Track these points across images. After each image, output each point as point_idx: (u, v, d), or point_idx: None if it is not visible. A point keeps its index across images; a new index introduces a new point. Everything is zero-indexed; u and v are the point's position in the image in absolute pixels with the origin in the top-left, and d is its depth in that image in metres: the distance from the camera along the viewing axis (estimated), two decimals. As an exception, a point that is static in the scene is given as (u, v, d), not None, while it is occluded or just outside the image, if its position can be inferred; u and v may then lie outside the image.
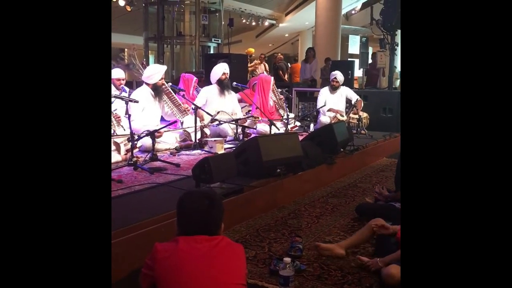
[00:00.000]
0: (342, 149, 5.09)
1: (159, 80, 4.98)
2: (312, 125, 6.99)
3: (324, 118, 6.76)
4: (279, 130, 5.70)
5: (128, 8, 12.26)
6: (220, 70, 5.93)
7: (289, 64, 13.47)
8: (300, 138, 4.62)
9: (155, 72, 5.02)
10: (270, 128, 5.52)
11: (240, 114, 6.13)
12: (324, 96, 6.95)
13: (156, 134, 4.63)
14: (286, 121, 6.17)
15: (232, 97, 6.08)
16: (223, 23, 12.62)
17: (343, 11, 14.78)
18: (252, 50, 13.06)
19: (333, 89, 6.96)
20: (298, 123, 7.14)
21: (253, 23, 17.56)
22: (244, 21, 17.00)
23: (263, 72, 10.95)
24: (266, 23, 18.58)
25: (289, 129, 6.20)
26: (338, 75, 6.94)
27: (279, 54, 13.48)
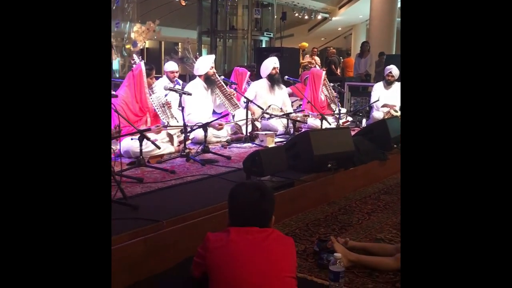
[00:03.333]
0: (395, 145, 4.96)
1: (209, 69, 5.04)
2: (364, 120, 6.85)
3: (377, 113, 6.62)
4: (330, 125, 5.63)
5: (183, 3, 12.49)
6: (271, 64, 5.92)
7: (341, 58, 13.27)
8: (352, 133, 4.55)
9: (202, 63, 5.10)
10: (321, 123, 5.46)
11: (290, 109, 6.11)
12: (378, 91, 6.80)
13: (218, 126, 4.71)
14: (337, 116, 6.09)
15: (282, 92, 6.06)
16: (275, 17, 12.61)
17: (399, 4, 14.36)
18: (305, 44, 12.96)
19: (388, 84, 6.79)
20: (350, 118, 7.02)
21: (306, 17, 17.41)
22: (296, 14, 16.88)
23: (315, 66, 10.85)
24: (319, 17, 18.37)
25: (341, 124, 6.12)
26: (393, 70, 6.76)
27: (332, 48, 13.31)
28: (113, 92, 4.25)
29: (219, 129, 4.91)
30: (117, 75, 8.65)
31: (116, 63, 9.33)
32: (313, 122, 5.77)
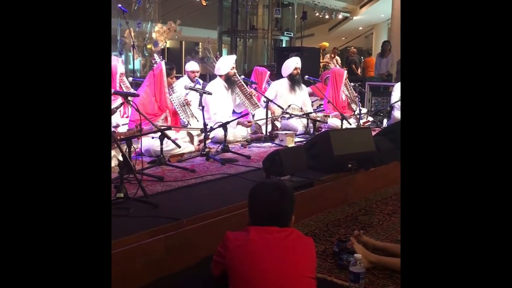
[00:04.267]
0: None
1: (230, 70, 5.06)
2: (385, 121, 6.79)
3: (398, 114, 6.54)
4: (350, 125, 5.59)
5: (204, 3, 12.55)
6: (292, 64, 5.90)
7: (362, 58, 13.16)
8: (373, 133, 4.50)
9: (224, 63, 5.13)
10: (342, 123, 5.43)
11: (310, 109, 6.08)
12: (399, 91, 6.72)
13: (247, 123, 4.74)
14: (358, 116, 6.04)
15: (302, 92, 6.04)
16: (296, 16, 12.58)
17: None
18: (326, 44, 12.90)
19: (409, 83, 6.70)
20: (371, 118, 6.96)
21: (327, 16, 17.31)
22: (317, 14, 16.80)
23: (335, 66, 10.79)
24: (340, 16, 18.24)
25: (362, 124, 6.07)
26: (415, 69, 6.67)
27: (353, 47, 13.21)
28: (134, 92, 4.31)
29: (248, 126, 4.93)
30: (138, 75, 8.74)
31: (137, 63, 9.43)
32: (334, 122, 5.73)
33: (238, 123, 4.97)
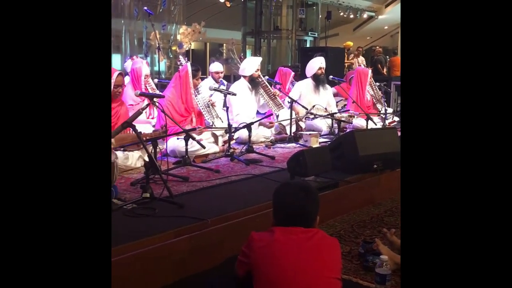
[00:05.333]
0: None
1: (254, 71, 5.07)
2: (411, 121, 6.67)
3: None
4: (376, 125, 5.53)
5: (228, 4, 12.62)
6: (317, 64, 5.87)
7: (388, 57, 13.00)
8: (399, 133, 4.44)
9: (249, 64, 5.14)
10: (367, 123, 5.36)
11: (335, 109, 6.04)
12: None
13: (268, 124, 4.74)
14: (383, 116, 5.97)
15: (327, 92, 6.00)
16: (320, 16, 12.51)
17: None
18: (350, 43, 12.80)
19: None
20: (396, 118, 6.86)
21: (351, 16, 17.16)
22: (341, 14, 16.66)
23: (360, 66, 10.68)
24: (365, 16, 18.05)
25: (387, 124, 5.99)
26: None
27: (378, 47, 13.06)
28: (160, 93, 4.36)
29: (270, 127, 4.93)
30: (164, 76, 8.83)
31: (162, 65, 9.54)
32: (359, 122, 5.68)
33: (260, 124, 4.97)
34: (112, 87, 3.59)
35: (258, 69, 5.13)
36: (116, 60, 9.84)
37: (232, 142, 4.29)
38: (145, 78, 4.78)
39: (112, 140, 3.18)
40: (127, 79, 4.72)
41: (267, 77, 5.70)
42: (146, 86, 4.79)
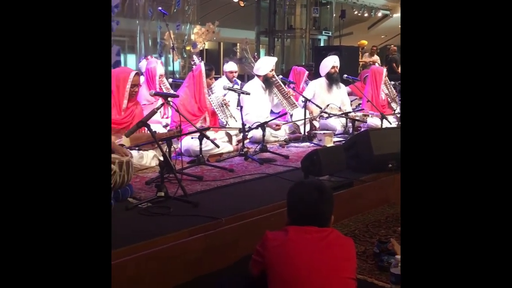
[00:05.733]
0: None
1: (269, 71, 5.07)
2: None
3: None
4: (391, 124, 5.48)
5: (242, 4, 12.62)
6: (330, 63, 5.84)
7: (403, 56, 12.87)
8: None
9: (264, 63, 5.14)
10: (382, 122, 5.33)
11: (349, 108, 6.01)
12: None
13: (275, 127, 4.72)
14: (398, 115, 5.92)
15: (341, 91, 5.97)
16: (334, 15, 12.46)
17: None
18: (364, 42, 12.71)
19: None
20: (411, 117, 6.79)
21: (366, 14, 17.04)
22: (356, 12, 16.55)
23: (374, 64, 10.61)
24: (379, 14, 17.92)
25: (402, 123, 5.93)
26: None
27: (393, 45, 12.95)
28: (174, 93, 4.38)
29: (276, 129, 4.92)
30: (178, 76, 8.88)
31: (176, 64, 9.58)
32: (373, 121, 5.64)
33: (266, 126, 4.94)
34: (129, 87, 3.63)
35: (272, 69, 5.13)
36: (131, 60, 9.93)
37: (246, 141, 4.29)
38: (159, 78, 4.81)
39: (127, 139, 3.20)
40: (141, 79, 4.76)
41: (281, 76, 5.69)
42: (160, 86, 4.83)
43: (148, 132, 2.95)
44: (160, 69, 4.85)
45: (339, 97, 5.91)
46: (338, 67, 5.89)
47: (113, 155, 2.59)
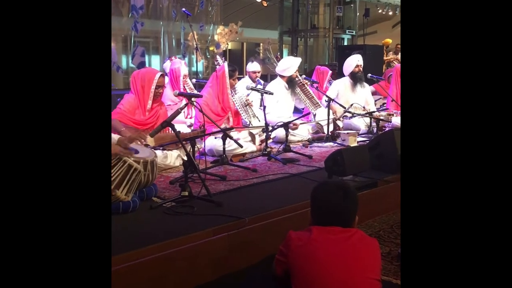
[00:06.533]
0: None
1: (293, 73, 5.07)
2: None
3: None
4: (416, 123, 5.40)
5: (265, 3, 12.61)
6: (354, 62, 5.79)
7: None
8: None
9: (290, 65, 5.14)
10: (407, 122, 5.25)
11: (373, 107, 5.94)
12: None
13: (292, 126, 4.71)
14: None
15: (365, 90, 5.91)
16: (358, 14, 12.35)
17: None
18: (389, 41, 12.55)
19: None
20: (437, 117, 6.69)
21: (390, 13, 16.83)
22: (380, 11, 16.36)
23: (399, 63, 10.47)
24: (404, 12, 17.69)
25: (428, 122, 5.84)
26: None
27: (418, 44, 12.76)
28: (198, 93, 4.41)
29: (293, 129, 4.90)
30: (201, 76, 8.93)
31: (200, 65, 9.64)
32: (398, 121, 5.57)
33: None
34: (154, 88, 3.68)
35: (297, 70, 5.14)
36: (155, 61, 10.03)
37: (269, 141, 4.29)
38: (183, 78, 4.85)
39: (152, 139, 3.24)
40: (166, 79, 4.81)
41: (304, 76, 5.67)
42: (184, 86, 4.87)
43: (172, 132, 2.98)
44: (184, 70, 4.89)
45: (363, 97, 5.85)
46: (362, 66, 5.83)
47: (137, 155, 2.62)
